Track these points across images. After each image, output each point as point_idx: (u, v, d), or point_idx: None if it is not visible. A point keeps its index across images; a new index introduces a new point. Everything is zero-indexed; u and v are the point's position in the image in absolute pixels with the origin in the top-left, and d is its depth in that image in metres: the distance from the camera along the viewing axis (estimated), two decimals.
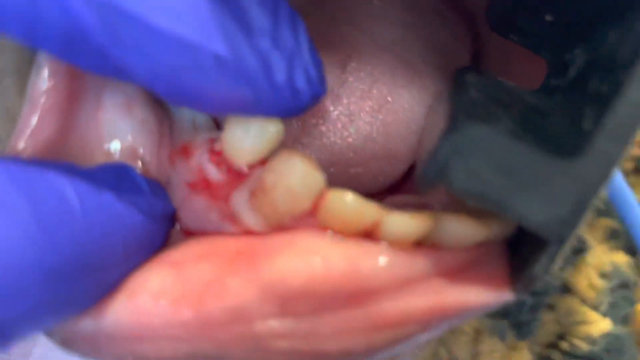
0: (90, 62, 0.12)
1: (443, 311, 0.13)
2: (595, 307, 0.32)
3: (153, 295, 0.13)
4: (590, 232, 0.34)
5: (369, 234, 0.13)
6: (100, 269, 0.12)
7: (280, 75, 0.13)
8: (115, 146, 0.16)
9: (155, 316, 0.13)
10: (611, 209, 0.35)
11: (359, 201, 0.13)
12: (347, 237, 0.13)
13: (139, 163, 0.16)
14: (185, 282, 0.13)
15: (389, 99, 0.18)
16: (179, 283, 0.13)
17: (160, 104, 0.17)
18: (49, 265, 0.11)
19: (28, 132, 0.15)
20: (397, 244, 0.13)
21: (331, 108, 0.18)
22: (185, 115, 0.17)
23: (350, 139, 0.18)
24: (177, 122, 0.17)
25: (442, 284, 0.13)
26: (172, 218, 0.15)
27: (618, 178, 0.36)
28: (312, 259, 0.13)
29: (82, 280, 0.12)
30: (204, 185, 0.15)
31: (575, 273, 0.32)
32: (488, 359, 0.31)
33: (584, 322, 0.31)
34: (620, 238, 0.35)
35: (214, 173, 0.15)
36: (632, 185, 0.36)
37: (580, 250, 0.33)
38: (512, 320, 0.31)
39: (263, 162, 0.14)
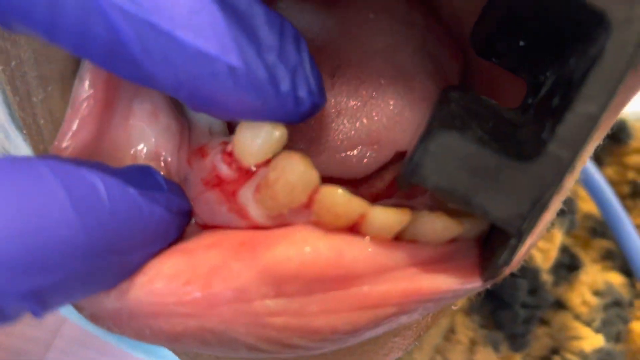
0: (127, 71, 0.14)
1: (417, 295, 0.15)
2: (588, 324, 0.33)
3: (167, 278, 0.15)
4: (585, 252, 0.36)
5: (357, 227, 0.15)
6: (123, 252, 0.14)
7: (284, 85, 0.15)
8: (141, 149, 0.18)
9: (169, 296, 0.15)
10: (606, 231, 0.36)
11: (348, 195, 0.15)
12: (336, 232, 0.15)
13: (162, 164, 0.18)
14: (195, 266, 0.15)
15: (374, 94, 0.21)
16: (189, 267, 0.15)
17: (182, 111, 0.19)
18: (81, 243, 0.13)
19: (70, 134, 0.17)
20: (379, 238, 0.15)
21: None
22: (203, 122, 0.19)
23: (338, 129, 0.20)
24: (195, 128, 0.19)
25: (417, 272, 0.15)
26: (188, 214, 0.17)
27: (613, 201, 0.37)
28: (303, 248, 0.14)
29: (108, 260, 0.14)
30: (216, 181, 0.17)
31: (569, 290, 0.33)
32: None
33: (576, 338, 0.32)
34: (615, 259, 0.36)
35: (225, 171, 0.17)
36: (629, 209, 0.38)
37: (574, 267, 0.34)
38: (507, 332, 0.32)
39: (268, 161, 0.16)
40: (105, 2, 0.13)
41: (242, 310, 0.14)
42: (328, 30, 0.21)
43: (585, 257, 0.35)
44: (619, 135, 0.38)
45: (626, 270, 0.36)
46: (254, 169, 0.16)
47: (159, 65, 0.13)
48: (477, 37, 0.18)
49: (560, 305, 0.33)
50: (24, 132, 0.20)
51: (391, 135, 0.21)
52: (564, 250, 0.35)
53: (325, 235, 0.15)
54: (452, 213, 0.16)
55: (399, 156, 0.21)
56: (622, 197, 0.37)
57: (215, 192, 0.17)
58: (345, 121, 0.21)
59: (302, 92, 0.15)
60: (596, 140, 0.15)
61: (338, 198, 0.15)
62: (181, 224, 0.17)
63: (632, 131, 0.38)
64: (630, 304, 0.35)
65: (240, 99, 0.14)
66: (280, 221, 0.16)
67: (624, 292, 0.34)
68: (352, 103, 0.21)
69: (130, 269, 0.15)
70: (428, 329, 0.20)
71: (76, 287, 0.13)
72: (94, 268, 0.13)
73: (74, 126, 0.16)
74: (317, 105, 0.16)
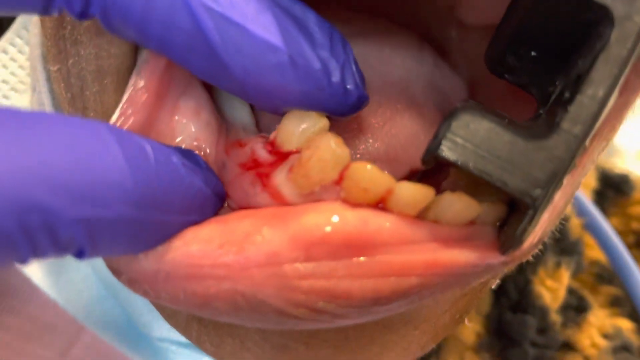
0: (203, 63, 0.16)
1: (438, 267, 0.16)
2: None
3: (203, 242, 0.16)
4: (593, 296, 0.36)
5: (383, 203, 0.16)
6: (163, 211, 0.15)
7: (335, 77, 0.17)
8: (183, 140, 0.19)
9: (204, 258, 0.15)
10: (613, 278, 0.37)
11: (377, 170, 0.16)
12: (363, 206, 0.16)
13: (202, 153, 0.19)
14: (229, 232, 0.16)
15: (392, 117, 0.22)
16: (224, 233, 0.16)
17: (220, 111, 0.21)
18: (129, 191, 0.14)
19: (121, 120, 0.18)
20: (404, 214, 0.16)
21: (341, 124, 0.22)
22: (238, 121, 0.21)
23: (359, 145, 0.22)
24: (231, 126, 0.21)
25: (439, 247, 0.16)
26: (222, 198, 0.19)
27: (621, 249, 0.38)
28: (331, 217, 0.15)
29: (150, 215, 0.15)
30: (252, 164, 0.18)
31: (578, 331, 0.34)
32: None
33: None
34: (623, 306, 0.36)
35: (263, 155, 0.18)
36: (635, 259, 0.39)
37: (582, 309, 0.34)
38: None
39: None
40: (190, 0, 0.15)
41: (272, 273, 0.15)
42: (356, 54, 0.24)
43: (593, 301, 0.36)
44: (622, 187, 0.40)
45: (635, 317, 0.36)
46: (291, 150, 0.17)
47: (232, 55, 0.16)
48: (491, 55, 0.20)
49: (569, 347, 0.33)
50: None
51: (407, 154, 0.22)
52: (572, 292, 0.35)
53: (353, 208, 0.16)
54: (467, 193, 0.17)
55: (413, 174, 0.23)
56: (628, 247, 0.38)
57: (251, 174, 0.18)
58: (365, 138, 0.22)
59: (351, 85, 0.17)
60: (607, 126, 0.17)
61: (367, 173, 0.16)
62: (216, 204, 0.18)
63: (635, 184, 0.40)
64: None
65: (299, 87, 0.17)
66: (312, 199, 0.17)
67: (633, 338, 0.35)
68: (373, 121, 0.23)
69: (168, 233, 0.16)
70: (446, 330, 0.21)
71: (120, 233, 0.14)
72: (137, 218, 0.14)
73: (128, 112, 0.18)
74: (363, 98, 0.18)
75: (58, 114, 0.14)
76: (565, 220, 0.37)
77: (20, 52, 0.31)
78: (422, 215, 0.16)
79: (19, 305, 0.30)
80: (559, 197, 0.16)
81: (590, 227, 0.38)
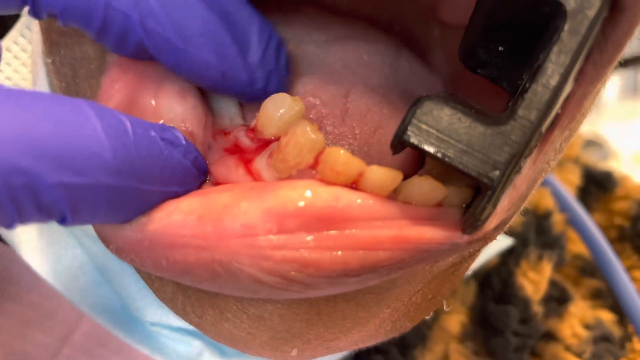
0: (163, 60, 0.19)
1: (405, 242, 0.17)
2: (579, 355, 0.34)
3: (183, 214, 0.17)
4: (575, 288, 0.37)
5: (355, 185, 0.18)
6: (142, 180, 0.16)
7: (259, 84, 0.20)
8: (171, 121, 0.20)
9: (184, 228, 0.16)
10: (595, 271, 0.38)
11: (349, 154, 0.17)
12: (337, 185, 0.18)
13: (188, 132, 0.20)
14: (208, 204, 0.17)
15: (381, 124, 0.24)
16: (203, 205, 0.17)
17: (205, 100, 0.22)
18: (108, 160, 0.15)
19: (104, 100, 0.20)
20: (375, 193, 0.17)
21: (337, 130, 0.23)
22: (224, 112, 0.22)
23: (352, 151, 0.23)
24: (218, 116, 0.22)
25: (406, 224, 0.17)
26: (204, 172, 0.20)
27: (603, 243, 0.39)
28: (304, 192, 0.16)
29: (129, 184, 0.16)
30: (236, 149, 0.20)
31: (559, 322, 0.35)
32: None
33: None
34: (605, 298, 0.37)
35: (246, 142, 0.19)
36: (618, 253, 0.40)
37: (564, 300, 0.35)
38: None
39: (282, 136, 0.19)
40: (141, 24, 0.18)
41: (248, 243, 0.16)
42: (336, 59, 0.25)
43: (575, 293, 0.37)
44: (605, 184, 0.41)
45: (616, 309, 0.37)
46: (270, 137, 0.19)
47: (176, 65, 0.19)
48: (463, 49, 0.21)
49: (551, 337, 0.34)
50: None
51: (397, 160, 0.23)
52: (554, 284, 0.36)
53: (326, 185, 0.17)
54: (439, 180, 0.18)
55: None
56: (611, 241, 0.39)
57: (234, 157, 0.19)
58: (358, 143, 0.23)
59: (272, 87, 0.21)
60: (568, 116, 0.18)
61: (340, 156, 0.17)
62: (197, 177, 0.19)
63: (617, 181, 0.41)
64: (622, 346, 0.36)
65: (229, 89, 0.20)
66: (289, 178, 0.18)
67: (613, 329, 0.36)
68: (365, 128, 0.23)
69: (149, 202, 0.17)
70: (420, 310, 0.22)
71: (100, 201, 0.15)
72: (116, 185, 0.15)
73: (109, 92, 0.19)
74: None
75: (43, 92, 0.15)
76: (548, 215, 0.38)
77: (23, 50, 0.33)
78: (392, 197, 0.18)
79: (21, 292, 0.31)
80: (520, 182, 0.18)
81: (574, 222, 0.39)
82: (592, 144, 0.86)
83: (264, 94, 0.20)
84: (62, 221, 0.15)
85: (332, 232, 0.16)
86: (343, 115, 0.24)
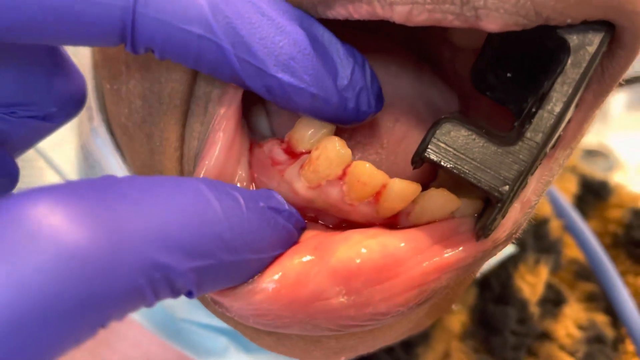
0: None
1: (448, 267, 0.19)
2: (572, 354, 0.36)
3: (264, 292, 0.18)
4: (570, 291, 0.39)
5: (379, 196, 0.20)
6: (256, 252, 0.18)
7: (350, 104, 0.20)
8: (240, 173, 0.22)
9: (270, 303, 0.18)
10: (590, 275, 0.40)
11: (373, 168, 0.19)
12: (379, 231, 0.19)
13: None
14: (284, 278, 0.18)
15: (407, 134, 0.25)
16: (281, 278, 0.19)
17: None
18: (227, 239, 0.16)
19: (208, 161, 0.20)
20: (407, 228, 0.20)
21: (366, 140, 0.25)
22: (259, 129, 0.24)
23: (382, 166, 0.24)
24: (253, 132, 0.24)
25: (441, 248, 0.19)
26: (302, 228, 0.21)
27: (598, 249, 0.41)
28: (359, 249, 0.18)
29: (245, 257, 0.17)
30: (272, 162, 0.22)
31: (554, 322, 0.37)
32: None
33: None
34: (599, 301, 0.39)
35: (279, 154, 0.21)
36: (612, 259, 0.42)
37: (559, 302, 0.37)
38: (498, 357, 0.35)
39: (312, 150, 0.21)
40: (233, 57, 0.18)
41: (322, 308, 0.18)
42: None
43: (570, 295, 0.39)
44: (601, 193, 0.43)
45: (609, 312, 0.39)
46: (302, 150, 0.21)
47: (268, 91, 0.19)
48: (474, 73, 0.23)
49: (546, 336, 0.37)
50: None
51: (420, 170, 0.25)
52: (550, 287, 0.38)
53: (374, 236, 0.19)
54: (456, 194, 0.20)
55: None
56: (605, 247, 0.41)
57: (275, 169, 0.21)
58: (387, 153, 0.25)
59: (364, 107, 0.21)
60: (570, 137, 0.20)
61: (366, 170, 0.19)
62: (298, 236, 0.21)
63: (613, 190, 0.43)
64: (615, 348, 0.38)
65: (317, 111, 0.20)
66: (319, 191, 0.20)
67: (606, 331, 0.38)
68: (392, 140, 0.25)
69: (259, 269, 0.19)
70: (439, 309, 0.24)
71: (222, 276, 0.17)
72: (234, 261, 0.17)
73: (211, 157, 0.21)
74: (374, 113, 0.21)
75: (166, 177, 0.17)
76: (546, 221, 0.41)
77: None
78: (410, 209, 0.20)
79: (114, 341, 0.32)
80: (530, 192, 0.20)
81: (570, 228, 0.41)
82: (598, 154, 0.88)
83: (356, 114, 0.20)
84: (189, 295, 0.17)
85: (391, 281, 0.18)
86: (373, 125, 0.25)
